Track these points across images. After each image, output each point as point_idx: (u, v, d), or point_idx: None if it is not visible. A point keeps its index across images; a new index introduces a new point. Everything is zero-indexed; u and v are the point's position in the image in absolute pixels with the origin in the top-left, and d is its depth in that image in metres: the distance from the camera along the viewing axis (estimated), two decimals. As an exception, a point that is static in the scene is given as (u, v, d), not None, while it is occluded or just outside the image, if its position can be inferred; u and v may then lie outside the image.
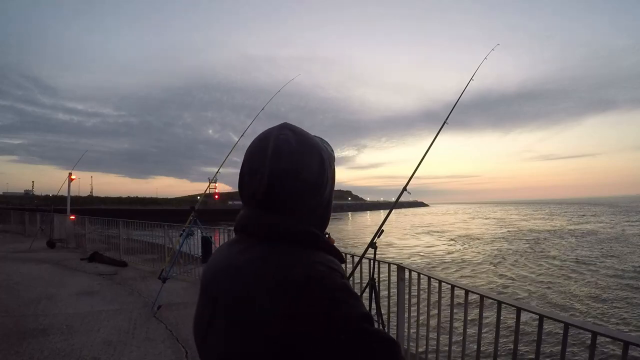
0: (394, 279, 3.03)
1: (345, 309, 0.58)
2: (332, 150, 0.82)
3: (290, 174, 0.65)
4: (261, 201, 0.66)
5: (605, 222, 38.97)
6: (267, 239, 0.66)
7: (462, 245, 21.95)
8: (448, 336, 2.68)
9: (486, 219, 53.76)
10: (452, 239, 25.64)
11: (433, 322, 2.77)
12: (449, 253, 18.79)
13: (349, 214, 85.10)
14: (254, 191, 0.66)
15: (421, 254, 18.61)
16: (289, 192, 0.66)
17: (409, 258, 16.80)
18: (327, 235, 0.80)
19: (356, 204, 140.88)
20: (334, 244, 0.77)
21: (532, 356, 2.05)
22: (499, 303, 2.11)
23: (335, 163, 0.80)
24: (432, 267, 14.51)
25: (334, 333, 0.56)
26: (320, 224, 0.73)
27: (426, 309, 2.77)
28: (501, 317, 2.15)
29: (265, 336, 0.57)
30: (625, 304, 9.26)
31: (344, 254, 3.50)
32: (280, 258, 0.63)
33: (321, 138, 0.80)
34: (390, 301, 3.08)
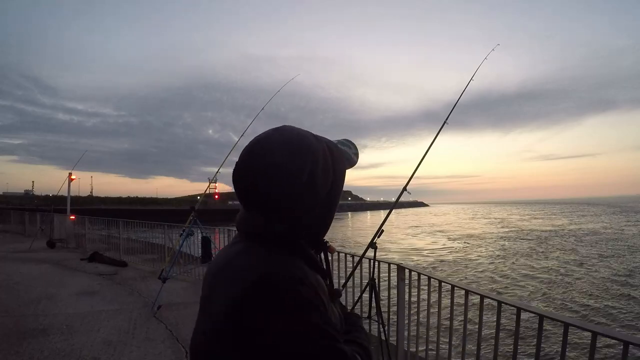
0: (394, 279, 3.03)
1: (292, 320, 0.57)
2: (354, 150, 0.83)
3: (257, 172, 0.65)
4: (243, 200, 0.68)
5: (606, 222, 38.98)
6: (248, 237, 0.69)
7: (465, 245, 21.90)
8: (448, 336, 2.69)
9: (488, 219, 53.82)
10: (456, 239, 25.65)
11: (433, 322, 2.77)
12: (453, 252, 18.75)
13: (349, 214, 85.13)
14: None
15: (425, 253, 18.55)
16: (257, 190, 0.65)
17: (413, 258, 16.75)
18: (327, 244, 0.77)
19: (356, 204, 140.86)
20: (329, 252, 0.76)
21: (533, 356, 2.05)
22: (499, 303, 2.11)
23: (349, 165, 0.79)
24: (436, 267, 14.50)
25: (279, 341, 0.56)
26: (318, 226, 0.72)
27: (426, 309, 2.77)
28: (501, 317, 2.15)
29: (217, 330, 0.60)
30: (624, 303, 9.26)
31: (344, 254, 3.51)
32: (246, 257, 0.65)
33: (348, 139, 0.85)
34: (390, 301, 3.08)
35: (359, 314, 3.24)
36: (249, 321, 0.57)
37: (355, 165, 0.85)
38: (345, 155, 0.79)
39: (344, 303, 3.52)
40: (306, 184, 0.66)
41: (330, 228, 0.76)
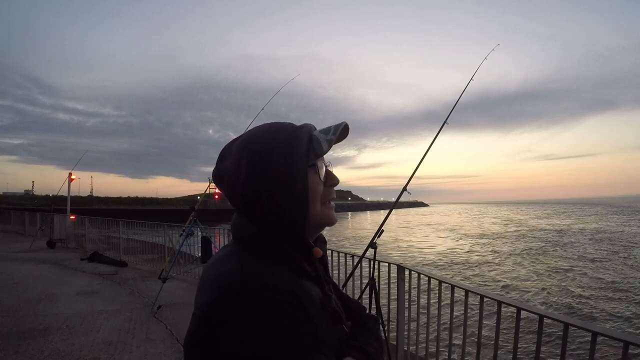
0: (394, 279, 3.03)
1: (258, 332, 0.54)
2: (327, 137, 0.69)
3: (220, 173, 0.70)
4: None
5: (608, 222, 39.10)
6: (236, 241, 0.70)
7: (479, 244, 21.85)
8: (448, 336, 2.69)
9: (493, 218, 54.13)
10: (468, 238, 25.75)
11: (433, 322, 2.77)
12: (470, 253, 18.68)
13: (349, 214, 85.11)
14: None
15: (445, 254, 18.37)
16: (225, 193, 0.70)
17: (429, 257, 16.68)
18: (312, 247, 0.70)
19: (356, 203, 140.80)
20: (317, 255, 0.69)
21: (532, 356, 2.05)
22: (499, 303, 2.11)
23: (320, 151, 0.68)
24: (452, 267, 14.44)
25: (244, 354, 0.54)
26: (285, 226, 0.66)
27: (426, 309, 2.77)
28: (501, 317, 2.15)
29: (191, 336, 0.60)
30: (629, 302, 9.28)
31: (344, 254, 3.50)
32: (224, 264, 0.65)
33: (335, 125, 0.71)
34: (390, 301, 3.08)
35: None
36: (214, 331, 0.56)
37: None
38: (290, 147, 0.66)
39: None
40: (236, 185, 0.68)
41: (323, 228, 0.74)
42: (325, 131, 0.71)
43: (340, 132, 0.70)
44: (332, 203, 0.74)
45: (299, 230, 0.66)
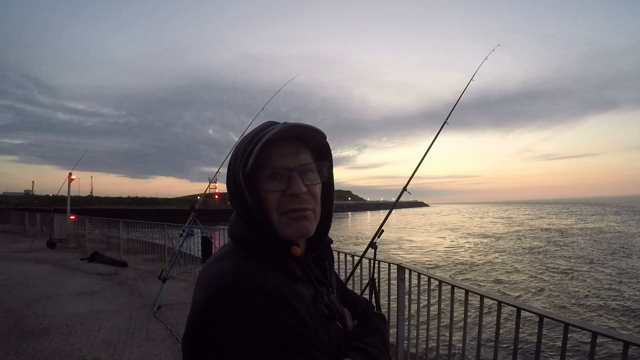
0: (394, 279, 3.02)
1: (247, 333, 0.54)
2: (260, 131, 0.67)
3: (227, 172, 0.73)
4: None
5: (608, 222, 39.17)
6: (233, 241, 0.71)
7: (480, 245, 21.82)
8: (448, 336, 2.69)
9: (494, 218, 54.32)
10: (469, 237, 25.82)
11: (433, 322, 2.77)
12: (470, 252, 18.67)
13: (349, 213, 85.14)
14: None
15: (446, 253, 18.31)
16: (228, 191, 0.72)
17: (430, 258, 16.67)
18: (292, 246, 0.68)
19: (356, 204, 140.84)
20: (296, 255, 0.67)
21: (532, 356, 2.05)
22: (499, 303, 2.10)
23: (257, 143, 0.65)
24: (459, 268, 14.39)
25: (233, 354, 0.54)
26: (259, 228, 0.67)
27: (426, 309, 2.77)
28: (501, 317, 2.15)
29: (186, 335, 0.61)
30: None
31: (344, 254, 3.50)
32: (218, 265, 0.65)
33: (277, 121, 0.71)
34: (390, 301, 3.08)
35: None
36: (206, 331, 0.56)
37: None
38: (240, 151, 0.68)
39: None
40: (228, 183, 0.72)
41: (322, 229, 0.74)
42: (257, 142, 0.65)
43: (272, 142, 0.65)
44: (302, 214, 0.66)
45: (278, 233, 0.67)
